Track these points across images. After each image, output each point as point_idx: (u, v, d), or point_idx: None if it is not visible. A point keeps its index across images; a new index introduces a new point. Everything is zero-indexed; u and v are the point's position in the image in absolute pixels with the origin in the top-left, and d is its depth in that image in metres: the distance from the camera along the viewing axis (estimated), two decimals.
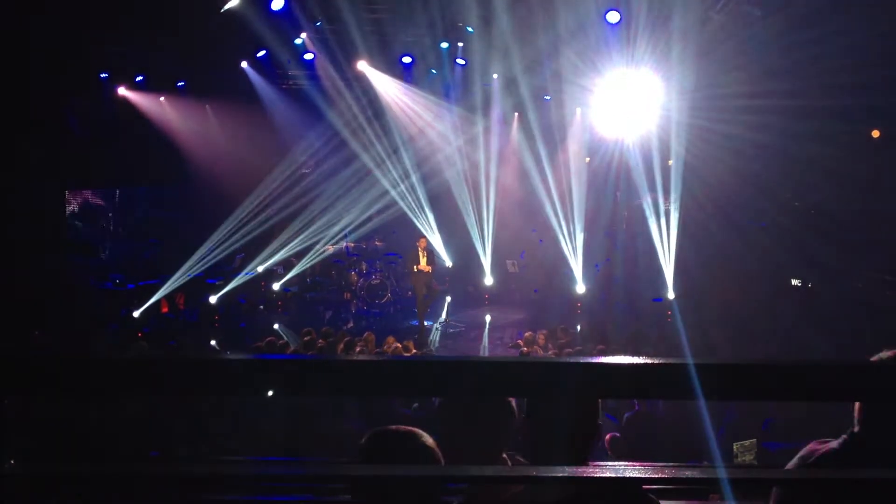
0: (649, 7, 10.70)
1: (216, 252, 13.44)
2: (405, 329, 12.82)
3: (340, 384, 1.30)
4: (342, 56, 13.27)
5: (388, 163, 14.96)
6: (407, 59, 13.78)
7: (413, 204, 15.06)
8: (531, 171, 14.64)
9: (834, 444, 1.99)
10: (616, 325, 11.57)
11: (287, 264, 14.77)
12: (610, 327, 11.42)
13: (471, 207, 15.00)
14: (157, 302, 12.53)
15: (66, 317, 10.46)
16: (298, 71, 14.17)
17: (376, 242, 15.89)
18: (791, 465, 2.03)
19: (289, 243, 14.35)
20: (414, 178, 15.06)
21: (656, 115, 12.43)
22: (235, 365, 1.27)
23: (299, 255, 14.70)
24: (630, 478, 1.41)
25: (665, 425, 6.35)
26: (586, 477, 1.40)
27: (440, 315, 13.96)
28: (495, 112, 15.03)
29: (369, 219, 15.11)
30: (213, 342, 11.27)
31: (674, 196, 12.71)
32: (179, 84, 13.85)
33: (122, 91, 13.45)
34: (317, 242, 14.72)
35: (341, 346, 9.28)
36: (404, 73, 14.20)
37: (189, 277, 12.91)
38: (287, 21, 12.08)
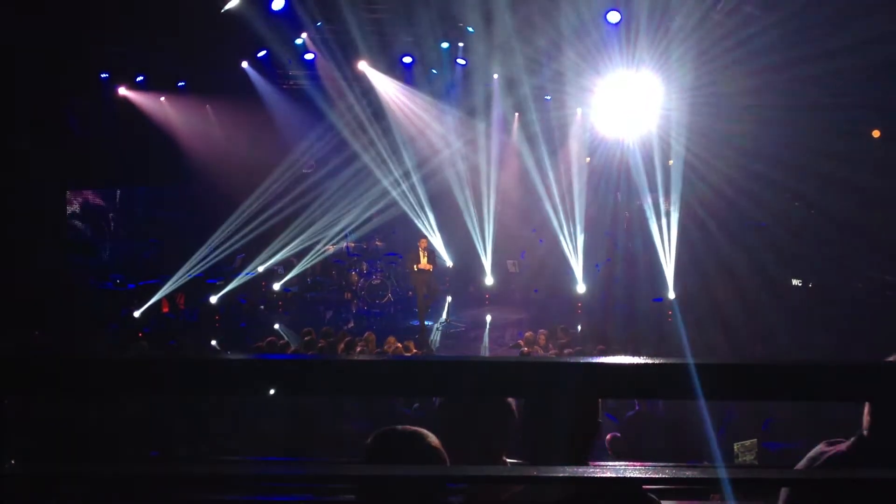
0: (650, 7, 10.71)
1: (216, 252, 13.44)
2: (406, 329, 12.81)
3: (341, 384, 1.30)
4: (343, 56, 13.28)
5: (389, 163, 14.96)
6: (407, 59, 13.79)
7: (413, 204, 15.06)
8: (531, 171, 14.64)
9: (843, 446, 1.98)
10: (616, 325, 11.57)
11: (287, 264, 14.77)
12: (610, 327, 11.41)
13: (471, 207, 15.00)
14: (158, 302, 12.53)
15: (66, 317, 10.46)
16: (299, 71, 14.18)
17: (377, 242, 15.89)
18: (800, 465, 2.02)
19: (289, 243, 14.34)
20: (414, 179, 15.06)
21: (657, 114, 12.43)
22: (235, 365, 1.27)
23: (300, 255, 14.69)
24: (630, 478, 1.41)
25: (665, 425, 6.35)
26: (586, 477, 1.40)
27: (441, 315, 13.96)
28: (496, 112, 15.03)
29: (370, 219, 15.11)
30: (213, 342, 11.27)
31: (674, 196, 12.71)
32: (180, 84, 13.86)
33: (122, 91, 13.46)
34: (317, 242, 14.72)
35: (342, 346, 9.28)
36: (405, 73, 14.20)
37: (189, 277, 12.91)
38: (287, 21, 12.09)
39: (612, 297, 13.50)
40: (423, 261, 12.75)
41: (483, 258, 14.95)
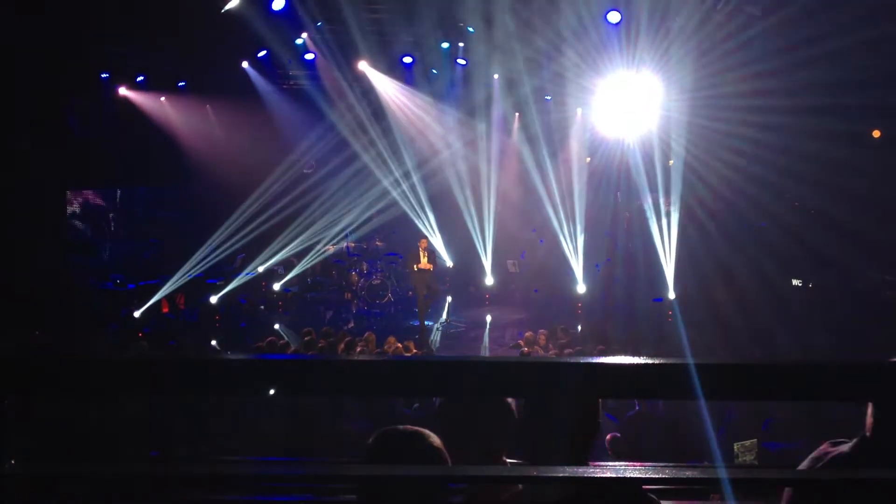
0: (650, 7, 10.71)
1: (217, 252, 13.43)
2: (406, 329, 12.81)
3: (341, 384, 1.30)
4: (343, 56, 13.28)
5: (389, 163, 14.96)
6: (408, 59, 13.79)
7: (414, 204, 15.06)
8: (532, 171, 14.64)
9: (845, 447, 1.98)
10: (616, 325, 11.57)
11: (288, 264, 14.77)
12: (610, 327, 11.41)
13: (471, 207, 15.00)
14: (158, 302, 12.53)
15: (66, 317, 10.46)
16: (299, 71, 14.19)
17: (377, 242, 15.89)
18: (803, 465, 2.02)
19: (289, 243, 14.34)
20: (414, 179, 15.06)
21: (657, 115, 12.44)
22: (235, 365, 1.27)
23: (300, 256, 14.69)
24: (630, 478, 1.41)
25: (665, 425, 6.35)
26: (586, 477, 1.40)
27: (441, 315, 13.96)
28: (496, 112, 15.02)
29: (370, 219, 15.11)
30: (213, 342, 11.27)
31: (674, 196, 12.71)
32: (180, 84, 13.87)
33: (122, 91, 13.46)
34: (317, 242, 14.72)
35: (342, 346, 9.28)
36: (405, 73, 14.20)
37: (189, 277, 12.91)
38: (288, 21, 12.10)
39: (612, 297, 13.50)
40: (424, 260, 12.76)
41: (483, 258, 14.95)
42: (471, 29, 12.72)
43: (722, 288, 11.92)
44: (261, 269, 14.24)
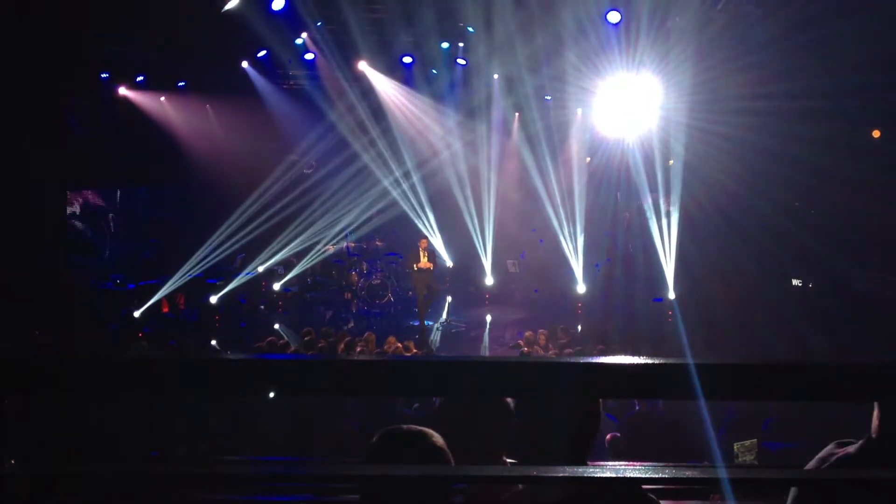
0: (649, 7, 10.70)
1: (217, 252, 13.43)
2: (406, 329, 12.82)
3: (341, 384, 1.30)
4: (343, 56, 13.28)
5: (389, 163, 14.96)
6: (407, 59, 13.79)
7: (414, 204, 15.06)
8: (532, 171, 14.64)
9: (851, 448, 1.98)
10: (616, 325, 11.57)
11: (287, 264, 14.77)
12: (610, 327, 11.41)
13: (471, 207, 15.00)
14: (158, 302, 12.54)
15: (66, 317, 10.46)
16: (299, 71, 14.19)
17: (377, 242, 15.88)
18: (810, 465, 2.02)
19: (289, 243, 14.34)
20: (414, 178, 15.06)
21: (657, 115, 12.43)
22: (235, 365, 1.27)
23: (300, 255, 14.69)
24: (630, 478, 1.41)
25: (665, 425, 6.35)
26: (586, 477, 1.40)
27: (441, 315, 13.96)
28: (496, 112, 15.02)
29: (370, 219, 15.11)
30: (213, 342, 11.27)
31: (674, 196, 12.71)
32: (180, 84, 13.86)
33: (122, 91, 13.46)
34: (317, 242, 14.72)
35: (342, 346, 9.28)
36: (405, 73, 14.20)
37: (189, 277, 12.91)
38: (287, 21, 12.10)
39: (612, 297, 13.50)
40: (424, 259, 12.76)
41: (483, 258, 14.95)
42: (471, 29, 12.71)
43: (722, 288, 11.93)
44: (261, 268, 14.24)
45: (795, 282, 12.11)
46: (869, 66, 9.06)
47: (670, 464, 4.55)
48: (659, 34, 11.12)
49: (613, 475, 1.44)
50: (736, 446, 5.28)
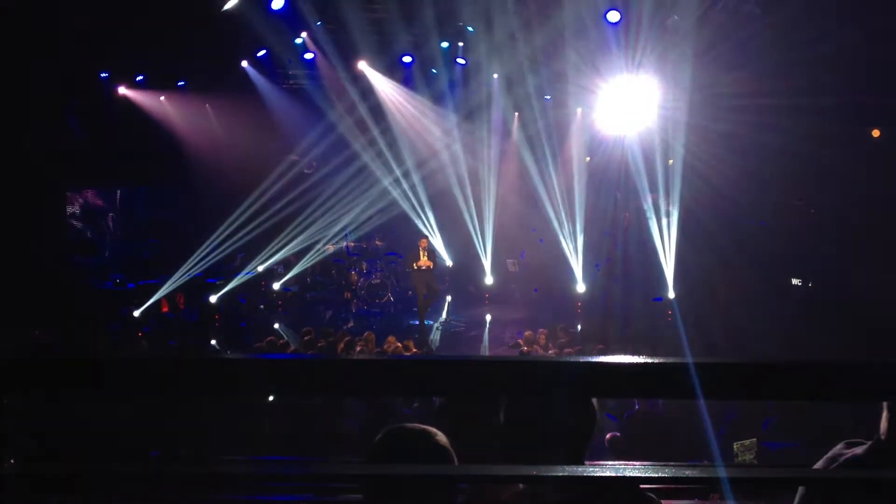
0: (649, 6, 10.70)
1: (216, 252, 13.43)
2: (406, 329, 12.81)
3: (341, 384, 1.30)
4: (343, 56, 13.28)
5: (389, 162, 14.96)
6: (407, 59, 13.79)
7: (414, 204, 15.06)
8: (531, 170, 14.64)
9: (859, 449, 1.97)
10: (616, 324, 11.56)
11: (287, 264, 14.76)
12: (610, 327, 11.41)
13: (471, 207, 15.00)
14: (158, 302, 12.53)
15: (66, 317, 10.46)
16: (299, 70, 14.19)
17: (377, 242, 15.87)
18: (818, 465, 2.02)
19: (289, 243, 14.34)
20: (414, 178, 15.06)
21: (656, 114, 12.43)
22: (235, 365, 1.27)
23: (299, 255, 14.69)
24: (630, 477, 1.41)
25: (665, 425, 6.35)
26: (586, 477, 1.40)
27: (441, 314, 13.96)
28: (495, 112, 15.02)
29: (370, 218, 15.10)
30: (213, 342, 11.27)
31: (674, 196, 12.71)
32: (180, 83, 13.86)
33: (122, 90, 13.46)
34: (317, 242, 14.72)
35: (342, 345, 9.28)
36: (404, 73, 14.20)
37: (189, 277, 12.91)
38: (287, 21, 12.10)
39: (612, 296, 13.49)
40: (423, 259, 12.77)
41: (483, 258, 14.95)
42: (471, 29, 12.71)
43: (722, 287, 11.92)
44: (260, 268, 14.24)
45: (795, 281, 12.11)
46: (869, 65, 9.06)
47: (670, 463, 4.55)
48: (659, 33, 11.11)
49: (613, 474, 1.44)
50: (736, 446, 5.28)
